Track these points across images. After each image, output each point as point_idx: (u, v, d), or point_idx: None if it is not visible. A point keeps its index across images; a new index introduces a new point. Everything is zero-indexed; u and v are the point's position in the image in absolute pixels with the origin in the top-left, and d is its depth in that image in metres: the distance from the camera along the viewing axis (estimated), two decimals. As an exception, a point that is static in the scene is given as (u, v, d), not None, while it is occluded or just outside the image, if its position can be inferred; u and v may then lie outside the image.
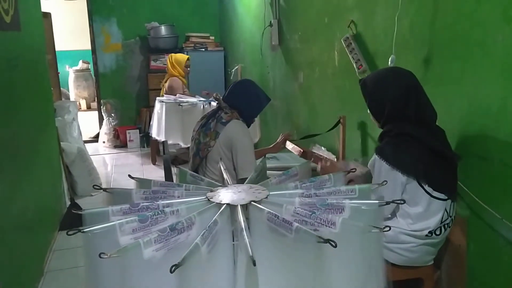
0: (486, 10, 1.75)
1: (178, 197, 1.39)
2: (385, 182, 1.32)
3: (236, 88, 2.58)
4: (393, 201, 1.19)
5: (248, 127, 2.57)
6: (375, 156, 1.79)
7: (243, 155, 2.40)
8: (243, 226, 1.11)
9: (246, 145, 2.44)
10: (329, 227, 1.05)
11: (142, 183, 1.52)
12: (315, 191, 1.31)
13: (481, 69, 1.79)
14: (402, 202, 1.19)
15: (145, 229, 1.15)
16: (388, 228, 1.07)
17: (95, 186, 1.45)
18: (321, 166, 2.31)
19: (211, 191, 1.40)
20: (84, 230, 1.09)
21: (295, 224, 1.04)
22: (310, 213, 1.10)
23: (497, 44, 1.69)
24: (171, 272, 0.93)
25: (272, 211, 1.11)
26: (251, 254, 0.99)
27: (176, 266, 0.94)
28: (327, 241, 0.97)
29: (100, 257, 0.98)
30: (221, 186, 1.48)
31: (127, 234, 1.12)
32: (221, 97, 2.59)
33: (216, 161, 2.38)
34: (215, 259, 1.08)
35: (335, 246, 0.96)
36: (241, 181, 2.17)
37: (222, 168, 1.71)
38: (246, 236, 1.07)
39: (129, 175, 1.53)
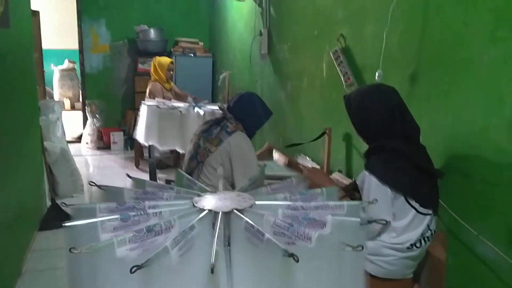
0: (473, 31, 1.80)
1: (167, 199, 1.40)
2: (376, 201, 1.33)
3: (241, 100, 2.59)
4: (375, 221, 1.18)
5: (250, 139, 2.58)
6: (364, 172, 1.80)
7: (244, 168, 2.41)
8: (217, 233, 1.12)
9: (249, 159, 2.45)
10: (305, 241, 1.05)
11: (138, 183, 1.53)
12: (302, 203, 1.30)
13: (466, 88, 1.84)
14: (384, 222, 1.19)
15: (126, 228, 1.17)
16: (360, 248, 1.04)
17: (91, 183, 1.46)
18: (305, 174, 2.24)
19: (198, 195, 1.41)
20: (67, 224, 1.12)
21: (267, 236, 1.05)
22: (288, 226, 1.10)
23: (483, 64, 1.74)
24: (131, 272, 0.94)
25: (249, 221, 1.12)
26: (212, 261, 1.01)
27: (138, 267, 0.95)
28: (291, 255, 0.97)
29: (70, 251, 1.00)
30: (209, 192, 1.49)
31: (108, 232, 1.14)
32: (225, 108, 2.61)
33: (212, 166, 2.39)
34: (188, 264, 1.09)
35: (297, 261, 0.96)
36: None
37: (220, 174, 1.72)
38: (215, 243, 1.08)
39: (127, 175, 1.55)
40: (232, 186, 2.42)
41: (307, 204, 1.27)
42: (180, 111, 4.34)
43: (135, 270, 0.94)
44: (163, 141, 4.44)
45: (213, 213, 1.25)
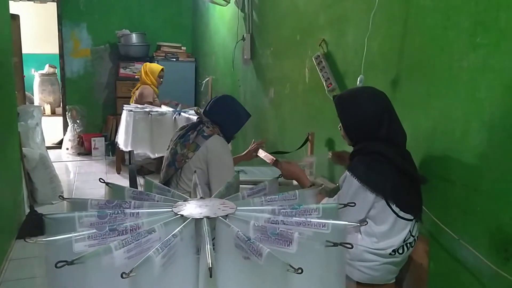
0: (453, 36, 1.81)
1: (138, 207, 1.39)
2: (353, 204, 1.32)
3: (217, 104, 2.54)
4: (341, 244, 1.10)
5: (228, 142, 2.55)
6: (346, 173, 1.81)
7: (220, 171, 2.37)
8: (206, 238, 1.11)
9: (225, 163, 2.41)
10: (256, 257, 1.04)
11: (116, 189, 1.50)
12: (283, 217, 1.26)
13: (446, 93, 1.85)
14: (350, 246, 1.13)
15: (102, 225, 1.19)
16: (300, 271, 0.97)
17: (60, 196, 1.44)
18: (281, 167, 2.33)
19: (176, 202, 1.40)
20: (47, 215, 1.19)
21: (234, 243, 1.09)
22: (246, 239, 1.08)
23: (463, 69, 1.75)
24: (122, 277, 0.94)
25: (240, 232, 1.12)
26: (209, 264, 0.99)
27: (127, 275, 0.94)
28: (296, 269, 0.96)
29: (25, 240, 1.07)
30: (184, 199, 1.47)
31: (84, 227, 1.20)
32: (202, 112, 2.56)
33: (191, 172, 2.35)
34: (171, 272, 1.08)
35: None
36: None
37: (196, 181, 1.70)
38: (207, 246, 1.06)
39: (101, 180, 1.53)
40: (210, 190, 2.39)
41: (288, 219, 1.23)
42: (175, 118, 4.34)
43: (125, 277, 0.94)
44: (153, 148, 4.43)
45: (194, 221, 1.24)
